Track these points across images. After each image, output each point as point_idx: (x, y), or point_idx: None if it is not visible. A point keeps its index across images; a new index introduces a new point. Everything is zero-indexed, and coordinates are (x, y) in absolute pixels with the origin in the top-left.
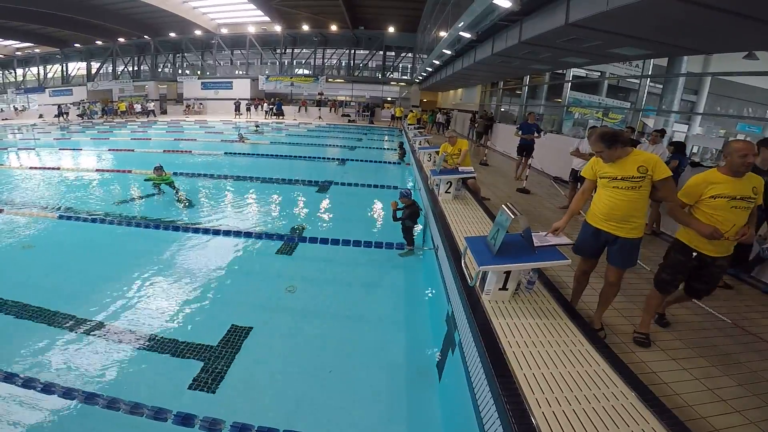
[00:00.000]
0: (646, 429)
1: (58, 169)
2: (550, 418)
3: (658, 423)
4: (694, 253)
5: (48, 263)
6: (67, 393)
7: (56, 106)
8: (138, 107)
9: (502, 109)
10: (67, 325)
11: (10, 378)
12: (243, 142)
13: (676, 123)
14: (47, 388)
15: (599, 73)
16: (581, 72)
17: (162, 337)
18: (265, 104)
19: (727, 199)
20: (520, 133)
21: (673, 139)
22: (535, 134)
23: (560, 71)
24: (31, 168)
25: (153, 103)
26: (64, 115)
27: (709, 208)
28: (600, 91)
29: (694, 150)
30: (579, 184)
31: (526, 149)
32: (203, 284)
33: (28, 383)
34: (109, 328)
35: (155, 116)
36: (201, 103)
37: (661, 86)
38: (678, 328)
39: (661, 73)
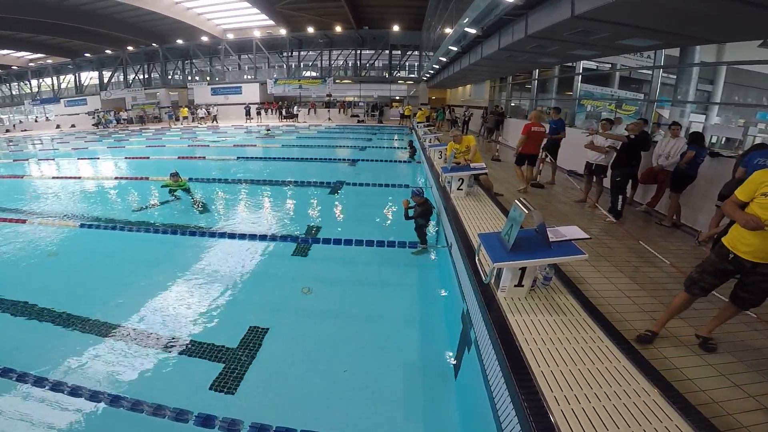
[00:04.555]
0: (670, 426)
1: (79, 178)
2: (569, 416)
3: (682, 420)
4: (731, 255)
5: (71, 270)
6: (94, 396)
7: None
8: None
9: (513, 104)
10: (92, 329)
11: (39, 382)
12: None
13: (693, 113)
14: (74, 391)
15: (610, 65)
16: (592, 64)
17: (184, 340)
18: (283, 109)
19: None
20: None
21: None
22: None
23: (570, 64)
24: (53, 177)
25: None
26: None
27: (759, 208)
28: (612, 83)
29: (713, 140)
30: (594, 177)
31: (549, 150)
32: (221, 287)
33: (56, 387)
34: (132, 332)
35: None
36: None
37: (675, 77)
38: (702, 323)
39: (674, 64)
